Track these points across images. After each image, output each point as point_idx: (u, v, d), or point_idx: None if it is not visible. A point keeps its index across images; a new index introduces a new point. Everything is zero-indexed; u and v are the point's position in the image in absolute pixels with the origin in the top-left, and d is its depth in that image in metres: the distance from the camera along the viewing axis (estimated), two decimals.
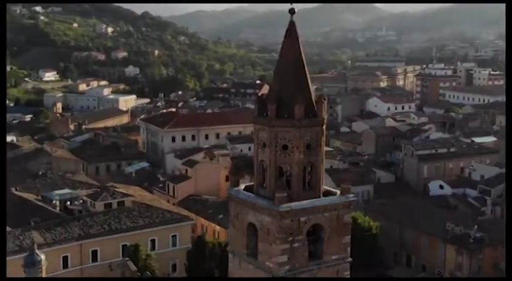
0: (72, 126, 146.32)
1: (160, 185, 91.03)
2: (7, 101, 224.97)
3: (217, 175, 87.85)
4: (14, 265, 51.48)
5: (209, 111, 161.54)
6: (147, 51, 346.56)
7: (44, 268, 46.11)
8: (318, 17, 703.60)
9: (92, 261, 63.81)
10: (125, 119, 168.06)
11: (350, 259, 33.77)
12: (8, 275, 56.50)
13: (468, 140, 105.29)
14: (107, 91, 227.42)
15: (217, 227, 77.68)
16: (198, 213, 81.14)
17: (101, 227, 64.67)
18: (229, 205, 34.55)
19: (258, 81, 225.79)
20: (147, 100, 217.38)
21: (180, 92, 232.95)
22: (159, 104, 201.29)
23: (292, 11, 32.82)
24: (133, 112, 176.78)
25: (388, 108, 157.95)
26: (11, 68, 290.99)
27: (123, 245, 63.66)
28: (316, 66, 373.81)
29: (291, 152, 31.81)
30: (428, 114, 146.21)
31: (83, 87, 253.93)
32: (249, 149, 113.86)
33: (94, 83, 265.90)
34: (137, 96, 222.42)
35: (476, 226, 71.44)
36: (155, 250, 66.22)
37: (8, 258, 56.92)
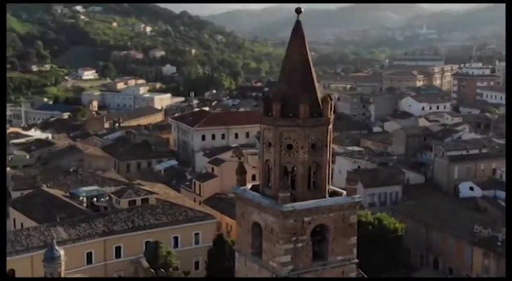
0: (107, 124, 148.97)
1: (187, 183, 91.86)
2: (46, 99, 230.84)
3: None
4: (37, 260, 52.60)
5: (242, 110, 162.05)
6: (184, 50, 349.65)
7: (62, 263, 46.96)
8: (356, 15, 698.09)
9: (116, 257, 64.79)
10: (159, 118, 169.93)
11: (356, 260, 33.45)
12: (32, 270, 58.20)
13: (501, 141, 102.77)
14: (142, 90, 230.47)
15: None
16: (224, 211, 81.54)
17: (125, 223, 65.63)
18: (236, 204, 34.68)
19: None
20: (182, 99, 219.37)
21: (214, 91, 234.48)
22: (193, 102, 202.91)
23: (298, 11, 32.77)
24: (167, 111, 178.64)
25: (423, 108, 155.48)
26: (52, 67, 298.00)
27: (146, 242, 64.47)
28: (353, 65, 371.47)
29: (296, 152, 31.70)
30: (463, 115, 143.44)
31: (120, 85, 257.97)
32: None
33: (132, 82, 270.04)
34: (172, 95, 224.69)
35: (504, 229, 69.75)
36: (178, 248, 66.93)
37: (32, 253, 58.78)
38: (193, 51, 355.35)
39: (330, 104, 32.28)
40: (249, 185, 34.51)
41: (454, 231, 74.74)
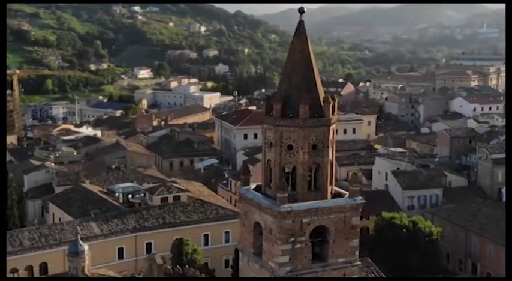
0: (155, 122, 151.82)
1: (225, 181, 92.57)
2: (101, 97, 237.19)
3: None
4: None
5: None
6: (237, 50, 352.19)
7: (86, 257, 48.23)
8: (415, 13, 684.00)
9: (147, 253, 65.77)
10: (206, 116, 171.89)
11: (358, 263, 33.02)
12: (64, 263, 59.88)
13: None
14: (193, 88, 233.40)
15: None
16: None
17: (156, 220, 66.78)
18: (240, 204, 34.84)
19: (340, 80, 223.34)
20: (231, 98, 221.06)
21: (263, 90, 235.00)
22: (242, 101, 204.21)
23: (301, 10, 32.64)
24: (216, 109, 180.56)
25: (474, 109, 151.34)
26: (109, 66, 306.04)
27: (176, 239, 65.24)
28: (408, 64, 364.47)
29: (296, 153, 31.59)
30: None
31: (174, 84, 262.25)
32: None
33: (185, 81, 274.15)
34: (222, 94, 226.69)
35: None
36: (208, 246, 67.63)
37: (64, 247, 60.39)
38: (246, 50, 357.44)
39: (331, 104, 31.94)
40: (253, 185, 34.55)
41: (493, 236, 72.50)
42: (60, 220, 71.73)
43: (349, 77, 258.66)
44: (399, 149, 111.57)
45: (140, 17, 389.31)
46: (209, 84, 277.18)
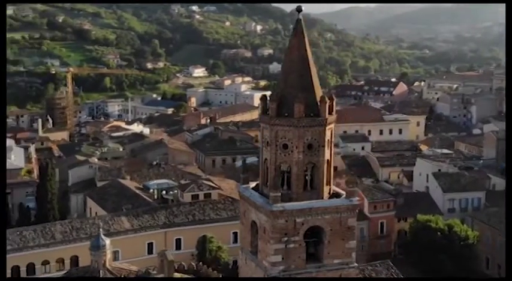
0: (203, 120, 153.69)
1: None
2: (155, 95, 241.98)
3: None
4: None
5: (338, 108, 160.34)
6: None
7: (108, 252, 49.21)
8: (478, 11, 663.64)
9: (176, 249, 66.91)
10: (255, 115, 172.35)
11: (355, 265, 32.53)
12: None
13: None
14: (244, 87, 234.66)
15: None
16: None
17: (186, 217, 67.76)
18: (240, 203, 34.99)
19: (393, 79, 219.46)
20: None
21: None
22: None
23: (299, 9, 32.48)
24: None
25: None
26: (165, 65, 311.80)
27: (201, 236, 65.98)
28: (469, 63, 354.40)
29: (291, 152, 31.47)
30: None
31: (227, 83, 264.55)
32: (362, 148, 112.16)
33: (238, 79, 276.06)
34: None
35: None
36: (237, 243, 67.94)
37: None
38: None
39: (327, 104, 31.62)
40: (253, 184, 34.62)
41: None
42: (96, 214, 73.80)
43: (404, 77, 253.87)
44: (445, 151, 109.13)
45: (197, 17, 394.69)
46: (262, 83, 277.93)
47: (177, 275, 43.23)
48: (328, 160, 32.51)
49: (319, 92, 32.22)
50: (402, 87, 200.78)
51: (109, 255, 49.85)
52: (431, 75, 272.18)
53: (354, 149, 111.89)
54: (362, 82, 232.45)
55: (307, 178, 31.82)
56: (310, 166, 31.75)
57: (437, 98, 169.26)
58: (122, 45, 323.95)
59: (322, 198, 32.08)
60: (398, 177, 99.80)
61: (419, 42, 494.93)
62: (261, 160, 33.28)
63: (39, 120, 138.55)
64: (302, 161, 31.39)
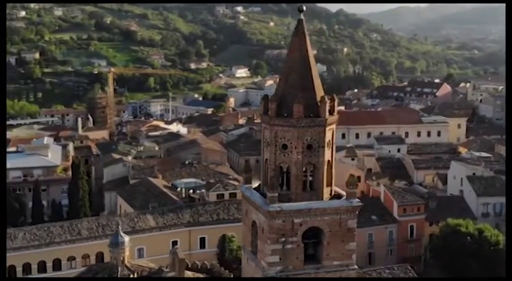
0: (242, 120, 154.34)
1: None
2: (196, 95, 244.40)
3: (346, 175, 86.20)
4: None
5: (379, 109, 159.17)
6: (336, 49, 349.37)
7: (126, 249, 49.95)
8: None
9: (200, 248, 67.58)
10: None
11: (355, 267, 32.10)
12: None
13: None
14: None
15: None
16: None
17: (210, 216, 68.23)
18: (242, 202, 35.04)
19: (436, 80, 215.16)
20: None
21: (355, 90, 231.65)
22: None
23: (300, 9, 32.28)
24: None
25: None
26: (208, 65, 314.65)
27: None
28: None
29: (290, 152, 31.31)
30: None
31: (269, 83, 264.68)
32: (398, 150, 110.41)
33: None
34: None
35: None
36: None
37: None
38: (345, 49, 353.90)
39: (327, 104, 31.31)
40: (255, 184, 34.61)
41: None
42: (125, 211, 75.09)
43: (450, 78, 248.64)
44: (483, 154, 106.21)
45: (242, 17, 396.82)
46: None
47: (188, 273, 43.57)
48: (329, 160, 32.21)
49: (320, 92, 31.95)
50: (446, 88, 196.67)
51: (127, 252, 50.59)
52: (479, 77, 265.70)
53: (389, 151, 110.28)
54: (405, 83, 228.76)
55: (306, 178, 31.57)
56: (310, 167, 31.50)
57: (480, 100, 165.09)
58: (167, 46, 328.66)
59: (322, 199, 31.78)
60: (433, 180, 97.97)
61: (468, 43, 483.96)
62: (262, 160, 33.23)
63: (79, 119, 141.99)
64: (301, 161, 31.19)
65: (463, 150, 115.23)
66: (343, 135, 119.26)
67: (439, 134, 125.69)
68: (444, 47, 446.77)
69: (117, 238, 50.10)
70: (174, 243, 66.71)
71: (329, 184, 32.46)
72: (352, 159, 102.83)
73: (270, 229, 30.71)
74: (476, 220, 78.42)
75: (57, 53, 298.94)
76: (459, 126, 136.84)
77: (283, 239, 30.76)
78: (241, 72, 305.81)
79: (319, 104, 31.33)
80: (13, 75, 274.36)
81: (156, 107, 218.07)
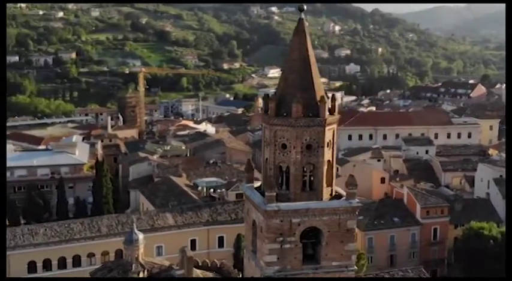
0: None
1: None
2: (228, 95, 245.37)
3: (369, 176, 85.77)
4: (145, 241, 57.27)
5: (411, 110, 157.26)
6: (370, 49, 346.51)
7: (141, 246, 50.48)
8: None
9: (219, 247, 67.80)
10: None
11: (355, 268, 31.76)
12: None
13: None
14: None
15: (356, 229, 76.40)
16: None
17: (229, 215, 68.37)
18: (244, 201, 35.06)
19: (471, 81, 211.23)
20: (353, 98, 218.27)
21: (388, 91, 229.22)
22: (364, 101, 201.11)
23: (301, 8, 32.15)
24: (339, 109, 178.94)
25: None
26: (241, 65, 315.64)
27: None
28: None
29: (289, 152, 31.19)
30: None
31: None
32: (426, 152, 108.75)
33: None
34: (345, 94, 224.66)
35: None
36: None
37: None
38: (379, 50, 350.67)
39: (327, 104, 31.07)
40: (257, 183, 34.58)
41: None
42: (147, 209, 75.92)
43: (486, 79, 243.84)
44: None
45: (276, 17, 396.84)
46: (337, 83, 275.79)
47: (197, 271, 43.81)
48: (329, 160, 31.97)
49: (320, 92, 31.73)
50: (480, 89, 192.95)
51: (142, 249, 51.14)
52: None
53: (417, 153, 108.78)
54: (439, 84, 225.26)
55: (306, 178, 31.40)
56: (309, 167, 31.32)
57: None
58: (200, 46, 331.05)
59: (322, 199, 31.56)
60: (460, 182, 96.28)
61: None
62: (263, 160, 33.18)
63: (109, 118, 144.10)
64: (300, 161, 31.04)
65: (493, 152, 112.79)
66: (371, 136, 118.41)
67: (469, 135, 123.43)
68: (482, 48, 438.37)
69: (132, 235, 50.68)
70: (193, 241, 67.23)
71: (329, 184, 32.24)
72: (378, 160, 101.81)
73: (268, 229, 30.67)
74: (502, 223, 76.69)
75: (93, 53, 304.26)
76: (491, 128, 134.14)
77: (281, 238, 30.68)
78: (274, 72, 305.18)
79: (318, 103, 31.11)
80: (50, 74, 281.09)
81: (188, 106, 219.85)
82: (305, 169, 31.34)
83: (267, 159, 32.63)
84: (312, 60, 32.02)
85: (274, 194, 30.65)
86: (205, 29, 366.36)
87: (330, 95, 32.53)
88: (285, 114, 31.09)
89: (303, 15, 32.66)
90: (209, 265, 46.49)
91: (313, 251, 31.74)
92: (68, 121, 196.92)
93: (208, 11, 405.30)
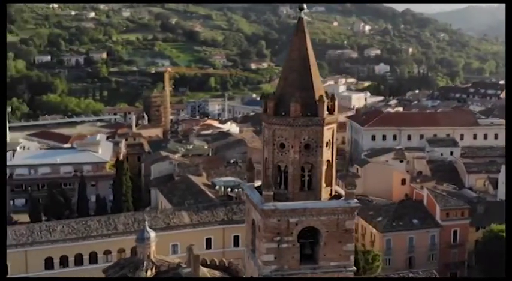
0: None
1: None
2: (254, 95, 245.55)
3: (390, 177, 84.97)
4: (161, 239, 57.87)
5: (439, 111, 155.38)
6: (400, 49, 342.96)
7: (152, 244, 50.95)
8: None
9: (234, 246, 67.88)
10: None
11: (353, 268, 31.50)
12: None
13: None
14: (342, 88, 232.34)
15: (374, 230, 75.92)
16: (360, 213, 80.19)
17: (244, 214, 68.34)
18: (245, 200, 35.08)
19: (501, 82, 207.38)
20: (381, 98, 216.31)
21: (416, 91, 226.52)
22: (391, 102, 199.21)
23: (300, 8, 32.02)
24: (359, 110, 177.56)
25: None
26: (269, 65, 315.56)
27: None
28: None
29: (288, 151, 31.10)
30: None
31: (330, 84, 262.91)
32: (451, 153, 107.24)
33: (342, 80, 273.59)
34: (372, 94, 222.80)
35: None
36: None
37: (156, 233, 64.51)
38: (410, 50, 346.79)
39: (325, 104, 30.88)
40: (258, 182, 34.55)
41: None
42: (164, 208, 76.56)
43: None
44: None
45: (305, 17, 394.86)
46: (366, 84, 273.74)
47: (203, 270, 44.06)
48: (328, 160, 31.77)
49: (319, 91, 31.59)
50: None
51: (154, 247, 51.65)
52: None
53: (442, 154, 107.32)
54: (469, 84, 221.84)
55: (304, 178, 31.27)
56: (308, 166, 31.19)
57: None
58: (229, 46, 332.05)
59: (320, 199, 31.39)
60: (484, 184, 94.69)
61: None
62: (262, 159, 33.16)
63: (133, 117, 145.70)
64: (298, 161, 30.94)
65: None
66: (395, 137, 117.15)
67: (496, 137, 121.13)
68: None
69: (144, 233, 51.29)
70: (208, 240, 67.58)
71: (329, 184, 32.05)
72: (401, 161, 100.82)
73: (265, 228, 30.67)
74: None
75: (123, 53, 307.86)
76: None
77: (278, 238, 30.62)
78: None
79: (317, 103, 30.95)
80: (81, 74, 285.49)
81: (214, 106, 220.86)
82: (304, 168, 31.21)
83: (266, 158, 32.58)
84: (312, 60, 31.96)
85: (272, 193, 30.62)
86: (234, 29, 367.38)
87: (329, 94, 32.23)
88: (283, 113, 31.05)
89: (303, 15, 32.40)
90: (217, 264, 46.75)
91: (311, 251, 31.64)
92: (97, 120, 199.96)
93: (238, 11, 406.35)
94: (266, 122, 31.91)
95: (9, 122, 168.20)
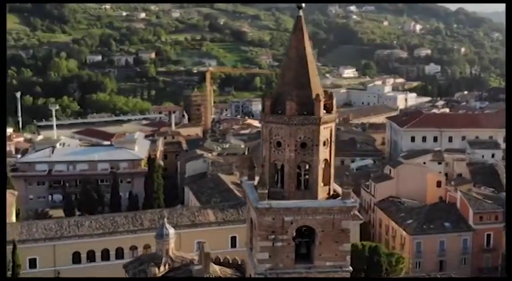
0: (336, 121, 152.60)
1: (367, 183, 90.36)
2: None
3: (424, 179, 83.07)
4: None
5: (487, 112, 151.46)
6: (452, 49, 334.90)
7: (171, 241, 51.44)
8: None
9: None
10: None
11: (350, 269, 30.98)
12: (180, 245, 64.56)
13: None
14: (387, 88, 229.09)
15: (403, 232, 74.59)
16: (391, 215, 78.95)
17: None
18: (246, 199, 35.06)
19: None
20: (427, 99, 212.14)
21: (465, 92, 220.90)
22: (439, 103, 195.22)
23: (299, 6, 31.68)
24: (403, 110, 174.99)
25: None
26: (316, 65, 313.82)
27: None
28: None
29: (284, 150, 30.89)
30: None
31: (378, 84, 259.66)
32: (492, 156, 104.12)
33: (390, 80, 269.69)
34: (418, 95, 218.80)
35: None
36: None
37: (179, 231, 65.19)
38: (462, 49, 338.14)
39: (321, 102, 30.49)
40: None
41: None
42: (194, 205, 77.29)
43: None
44: None
45: (354, 17, 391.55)
46: (414, 84, 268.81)
47: (215, 267, 44.19)
48: (326, 159, 31.39)
49: (316, 90, 31.23)
50: None
51: (172, 244, 52.21)
52: None
53: (483, 156, 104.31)
54: None
55: (301, 177, 31.00)
56: (305, 165, 30.90)
57: None
58: (276, 46, 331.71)
59: (317, 198, 31.04)
60: None
61: None
62: (261, 157, 33.04)
63: (173, 116, 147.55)
64: (294, 159, 30.71)
65: None
66: (435, 138, 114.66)
67: None
68: None
69: (162, 230, 51.92)
70: (233, 238, 67.73)
71: (327, 183, 31.69)
72: (439, 163, 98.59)
73: (260, 226, 30.58)
74: None
75: (171, 53, 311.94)
76: None
77: (272, 236, 30.47)
78: (349, 72, 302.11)
79: (314, 102, 30.63)
80: (130, 73, 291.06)
81: (258, 106, 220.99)
82: (300, 167, 30.94)
83: (264, 156, 32.45)
84: (310, 58, 31.68)
85: (266, 191, 30.52)
86: (282, 29, 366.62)
87: (329, 93, 31.84)
88: (279, 112, 30.87)
89: (301, 13, 32.11)
90: (230, 262, 46.81)
91: (307, 250, 31.32)
92: (143, 118, 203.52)
93: (286, 11, 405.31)
94: (263, 120, 31.78)
95: (58, 119, 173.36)
